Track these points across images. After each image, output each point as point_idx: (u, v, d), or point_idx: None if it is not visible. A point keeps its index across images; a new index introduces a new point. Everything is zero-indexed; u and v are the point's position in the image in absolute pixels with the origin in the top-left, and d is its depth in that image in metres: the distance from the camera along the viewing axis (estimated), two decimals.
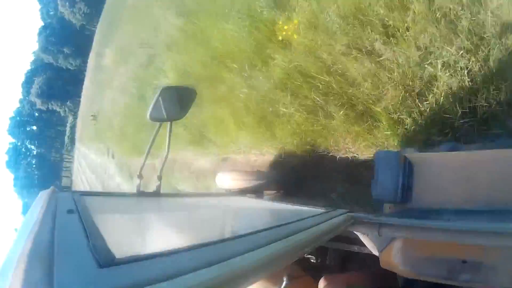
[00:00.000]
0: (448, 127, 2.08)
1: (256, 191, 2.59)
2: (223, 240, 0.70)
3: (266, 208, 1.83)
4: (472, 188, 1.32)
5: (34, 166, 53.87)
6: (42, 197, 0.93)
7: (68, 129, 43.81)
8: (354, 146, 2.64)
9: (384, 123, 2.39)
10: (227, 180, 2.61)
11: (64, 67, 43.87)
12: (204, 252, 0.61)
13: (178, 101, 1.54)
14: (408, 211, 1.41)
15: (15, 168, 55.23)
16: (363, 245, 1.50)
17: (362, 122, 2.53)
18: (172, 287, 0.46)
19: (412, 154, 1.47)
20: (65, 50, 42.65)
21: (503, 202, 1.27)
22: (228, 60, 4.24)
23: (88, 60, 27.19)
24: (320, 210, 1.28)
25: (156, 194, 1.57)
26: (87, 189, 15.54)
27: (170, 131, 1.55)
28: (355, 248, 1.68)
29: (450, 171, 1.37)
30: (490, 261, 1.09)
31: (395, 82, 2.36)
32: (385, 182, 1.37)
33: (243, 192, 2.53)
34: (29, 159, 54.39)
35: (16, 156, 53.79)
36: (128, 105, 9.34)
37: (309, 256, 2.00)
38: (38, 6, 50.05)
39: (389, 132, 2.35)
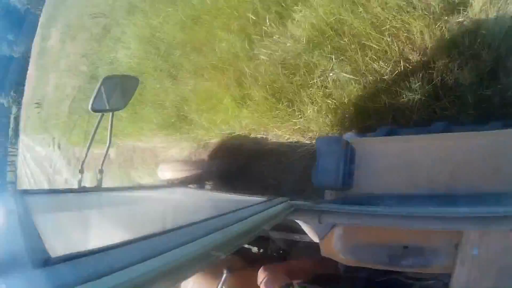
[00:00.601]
0: None
1: (198, 181, 2.58)
2: (160, 234, 0.69)
3: (206, 199, 1.81)
4: (413, 173, 1.31)
5: None
6: None
7: (12, 120, 40.85)
8: None
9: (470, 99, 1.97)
10: (169, 171, 2.57)
11: (7, 55, 40.80)
12: (139, 246, 0.61)
13: (120, 90, 1.53)
14: (350, 197, 1.39)
15: None
16: (305, 233, 1.47)
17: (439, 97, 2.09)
18: (101, 285, 0.46)
19: (355, 139, 1.45)
20: (9, 37, 39.69)
21: (445, 186, 1.27)
22: (221, 19, 3.52)
23: (33, 45, 25.34)
24: (261, 199, 1.25)
25: (98, 189, 1.56)
26: (32, 185, 14.60)
27: (112, 121, 1.52)
28: (297, 237, 1.65)
29: (391, 156, 1.35)
30: (432, 244, 1.14)
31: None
32: (327, 169, 1.33)
33: (185, 182, 2.49)
34: None
35: None
36: (78, 86, 8.44)
37: (250, 246, 1.99)
38: None
39: (472, 112, 1.99)
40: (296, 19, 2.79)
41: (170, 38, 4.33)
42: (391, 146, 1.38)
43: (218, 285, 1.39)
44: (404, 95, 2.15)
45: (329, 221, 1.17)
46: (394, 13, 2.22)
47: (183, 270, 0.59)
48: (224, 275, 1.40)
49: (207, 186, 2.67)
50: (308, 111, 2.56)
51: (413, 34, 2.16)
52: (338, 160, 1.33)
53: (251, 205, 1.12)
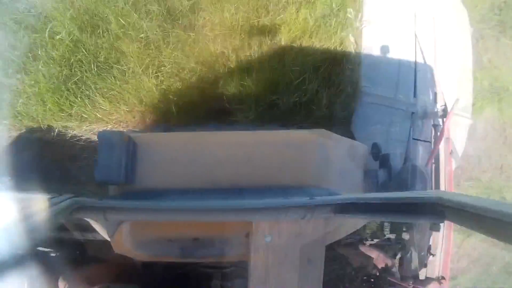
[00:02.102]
0: None
1: None
2: None
3: None
4: (197, 169, 1.33)
5: None
6: None
7: None
8: None
9: None
10: None
11: None
12: None
13: None
14: (134, 193, 1.36)
15: None
16: (97, 231, 1.36)
17: None
18: None
19: (136, 134, 1.45)
20: None
21: (229, 181, 1.31)
22: None
23: None
24: (43, 196, 1.12)
25: None
26: None
27: None
28: (90, 236, 1.55)
29: (174, 152, 1.36)
30: (222, 235, 1.19)
31: None
32: (108, 163, 1.28)
33: None
34: None
35: None
36: None
37: (48, 249, 1.81)
38: None
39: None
40: None
41: None
42: (173, 142, 1.39)
43: None
44: None
45: (115, 218, 1.12)
46: None
47: None
48: (26, 285, 1.29)
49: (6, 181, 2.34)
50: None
51: None
52: (120, 155, 1.28)
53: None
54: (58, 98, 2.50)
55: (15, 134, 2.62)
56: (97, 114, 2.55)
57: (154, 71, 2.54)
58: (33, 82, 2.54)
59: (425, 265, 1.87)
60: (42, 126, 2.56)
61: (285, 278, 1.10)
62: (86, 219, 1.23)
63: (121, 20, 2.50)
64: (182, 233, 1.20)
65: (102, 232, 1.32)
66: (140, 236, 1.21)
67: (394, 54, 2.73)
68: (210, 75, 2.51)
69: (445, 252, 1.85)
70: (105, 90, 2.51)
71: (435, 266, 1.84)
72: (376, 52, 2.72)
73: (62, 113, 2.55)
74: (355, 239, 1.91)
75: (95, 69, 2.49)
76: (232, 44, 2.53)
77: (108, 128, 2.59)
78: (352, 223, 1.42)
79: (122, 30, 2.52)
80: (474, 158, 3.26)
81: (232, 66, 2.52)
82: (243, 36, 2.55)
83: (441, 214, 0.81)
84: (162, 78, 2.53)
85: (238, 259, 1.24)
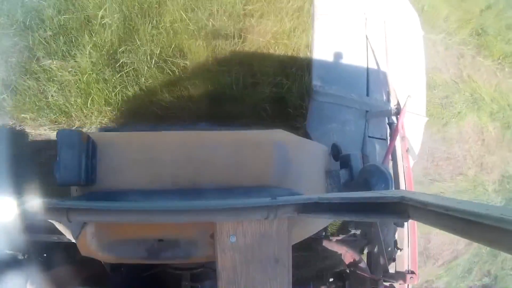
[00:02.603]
0: None
1: None
2: None
3: None
4: (157, 169, 1.34)
5: None
6: None
7: None
8: None
9: None
10: None
11: None
12: None
13: None
14: (96, 193, 1.35)
15: None
16: (62, 233, 1.37)
17: None
18: None
19: (95, 133, 1.45)
20: None
21: (190, 181, 1.31)
22: None
23: None
24: (6, 197, 1.09)
25: None
26: None
27: None
28: (55, 238, 1.57)
29: (134, 151, 1.35)
30: (187, 236, 1.19)
31: None
32: (68, 163, 1.25)
33: None
34: None
35: None
36: None
37: (16, 252, 1.76)
38: None
39: None
40: None
41: None
42: (133, 141, 1.38)
43: None
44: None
45: (78, 219, 1.11)
46: None
47: None
48: None
49: None
50: None
51: None
52: (79, 155, 1.26)
53: None
54: (109, 91, 2.28)
55: (38, 131, 2.40)
56: (157, 111, 2.38)
57: (222, 70, 2.51)
58: (70, 69, 2.30)
59: (394, 260, 1.91)
60: (74, 121, 2.35)
61: (254, 278, 1.10)
62: (49, 220, 1.21)
63: (183, 14, 2.41)
64: (146, 234, 1.19)
65: (66, 233, 1.31)
66: (105, 238, 1.20)
67: (346, 54, 2.76)
68: (273, 80, 2.59)
69: (412, 247, 1.89)
70: (162, 84, 2.40)
71: (404, 260, 1.89)
72: (328, 52, 2.75)
73: (109, 106, 2.34)
74: (321, 235, 1.94)
75: (152, 62, 2.34)
76: (290, 53, 2.67)
77: None
78: (319, 222, 1.44)
79: (181, 23, 2.41)
80: (461, 157, 3.73)
81: (294, 73, 2.62)
82: (298, 46, 2.69)
83: (405, 213, 0.83)
84: (228, 78, 2.51)
85: (206, 260, 1.24)
